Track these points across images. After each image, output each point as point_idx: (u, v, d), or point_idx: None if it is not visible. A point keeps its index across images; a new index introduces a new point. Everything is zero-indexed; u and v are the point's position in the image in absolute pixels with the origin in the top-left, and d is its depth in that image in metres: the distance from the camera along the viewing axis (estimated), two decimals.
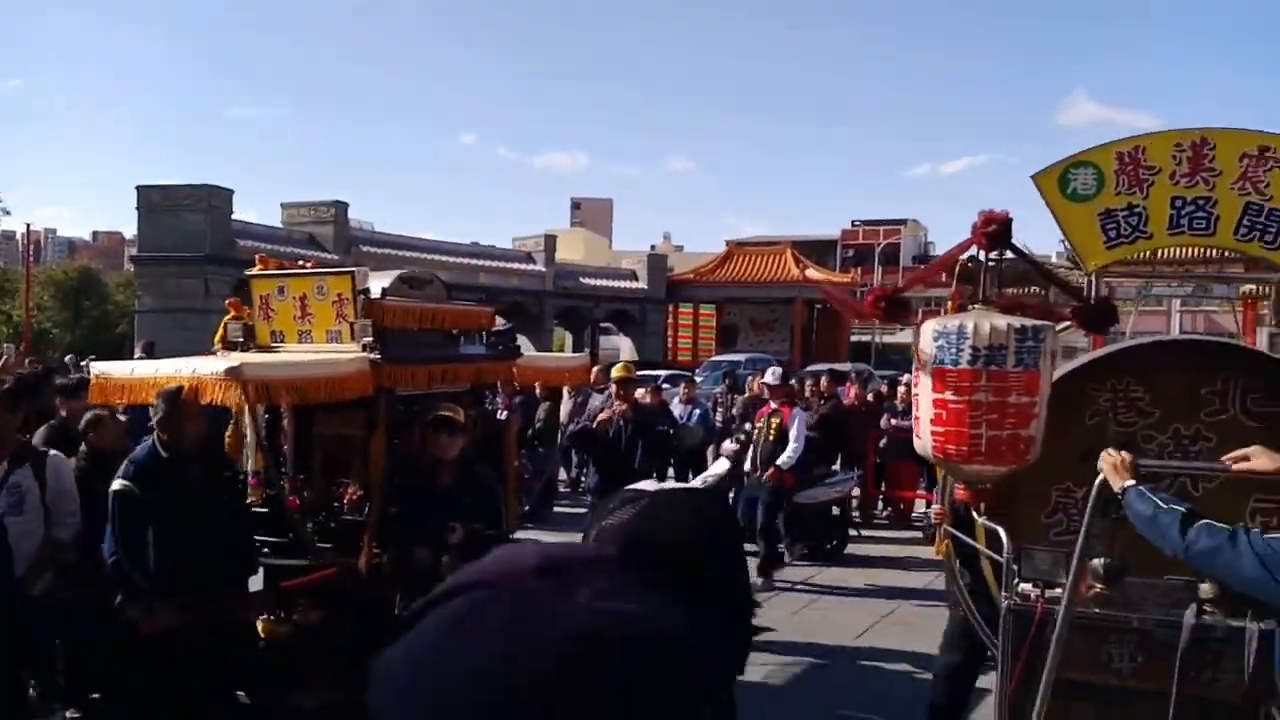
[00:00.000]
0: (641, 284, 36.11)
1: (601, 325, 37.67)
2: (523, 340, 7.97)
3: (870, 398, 12.39)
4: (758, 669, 6.30)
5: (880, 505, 12.11)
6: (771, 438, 8.73)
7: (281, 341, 5.30)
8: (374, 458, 4.85)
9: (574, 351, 32.10)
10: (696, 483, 9.46)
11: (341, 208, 27.71)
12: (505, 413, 8.68)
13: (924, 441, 3.52)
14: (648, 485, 1.17)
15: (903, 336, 27.43)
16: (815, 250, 44.23)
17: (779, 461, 8.65)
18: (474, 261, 31.08)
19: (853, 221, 54.65)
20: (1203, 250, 4.41)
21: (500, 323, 5.99)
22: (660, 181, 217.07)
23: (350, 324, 4.99)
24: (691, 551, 1.07)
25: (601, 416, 7.12)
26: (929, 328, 3.52)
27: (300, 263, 5.90)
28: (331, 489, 5.14)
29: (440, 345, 5.45)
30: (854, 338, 40.98)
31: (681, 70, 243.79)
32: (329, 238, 26.82)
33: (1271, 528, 4.07)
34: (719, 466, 9.13)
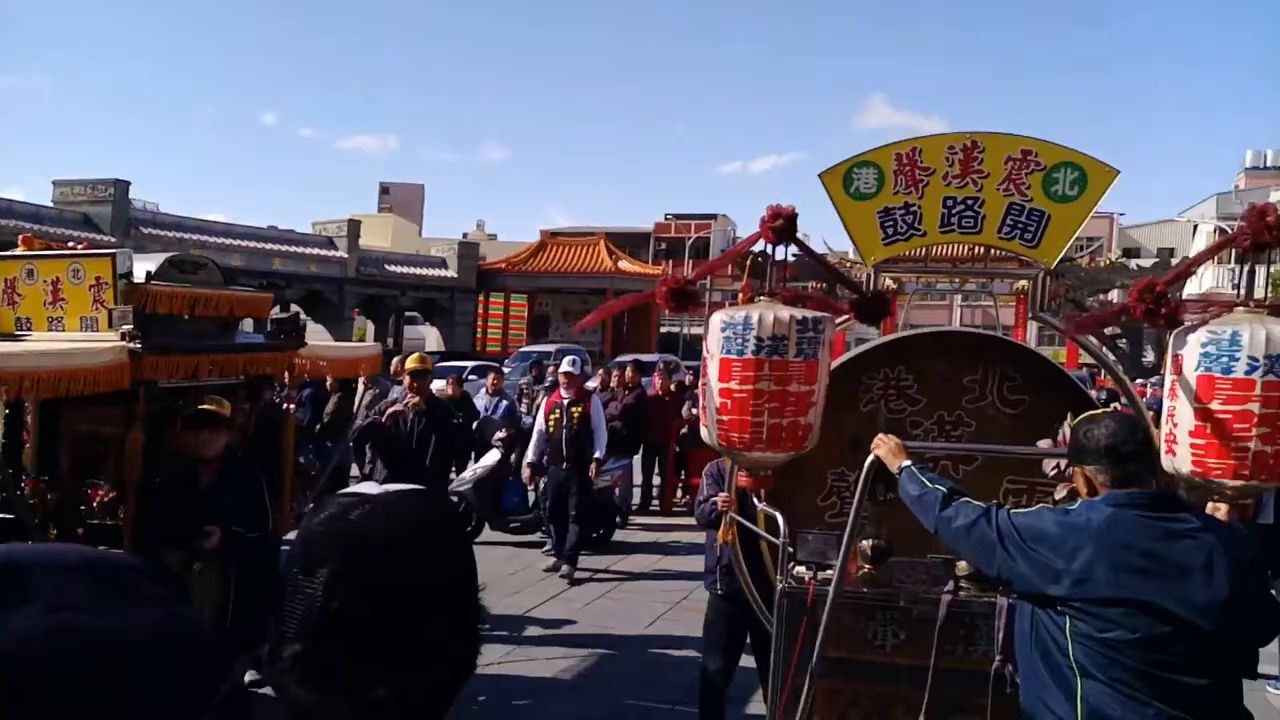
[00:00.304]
0: (451, 272, 35.37)
1: (407, 315, 36.65)
2: (318, 329, 7.58)
3: (673, 388, 12.61)
4: (547, 663, 6.27)
5: (680, 493, 12.36)
6: (574, 428, 8.72)
7: (29, 329, 4.79)
8: (130, 457, 4.45)
9: (376, 342, 31.10)
10: (467, 475, 9.35)
11: (122, 186, 25.64)
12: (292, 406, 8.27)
13: (710, 430, 3.56)
14: (369, 488, 1.08)
15: None
16: (629, 242, 44.78)
17: (597, 454, 8.78)
18: (269, 246, 29.46)
19: (665, 215, 55.67)
20: (980, 249, 4.66)
21: (278, 311, 5.65)
22: (476, 169, 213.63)
23: (109, 310, 4.57)
24: (412, 561, 1.00)
25: (391, 410, 6.86)
26: (717, 319, 3.56)
27: (70, 245, 5.34)
28: (81, 491, 4.69)
29: (215, 335, 5.08)
30: (663, 329, 41.76)
31: (501, 57, 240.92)
32: (106, 218, 24.78)
33: (1021, 506, 4.44)
34: (489, 458, 9.07)
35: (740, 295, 3.89)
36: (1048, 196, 4.27)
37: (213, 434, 4.58)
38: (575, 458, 8.58)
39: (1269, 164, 56.32)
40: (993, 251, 4.89)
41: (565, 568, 8.35)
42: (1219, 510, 3.28)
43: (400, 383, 9.30)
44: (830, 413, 3.61)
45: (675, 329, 42.30)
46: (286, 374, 5.64)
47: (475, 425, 11.62)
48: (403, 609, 0.99)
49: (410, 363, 7.25)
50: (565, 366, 9.14)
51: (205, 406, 4.62)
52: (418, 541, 1.03)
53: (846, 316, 4.27)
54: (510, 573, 8.65)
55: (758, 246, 3.84)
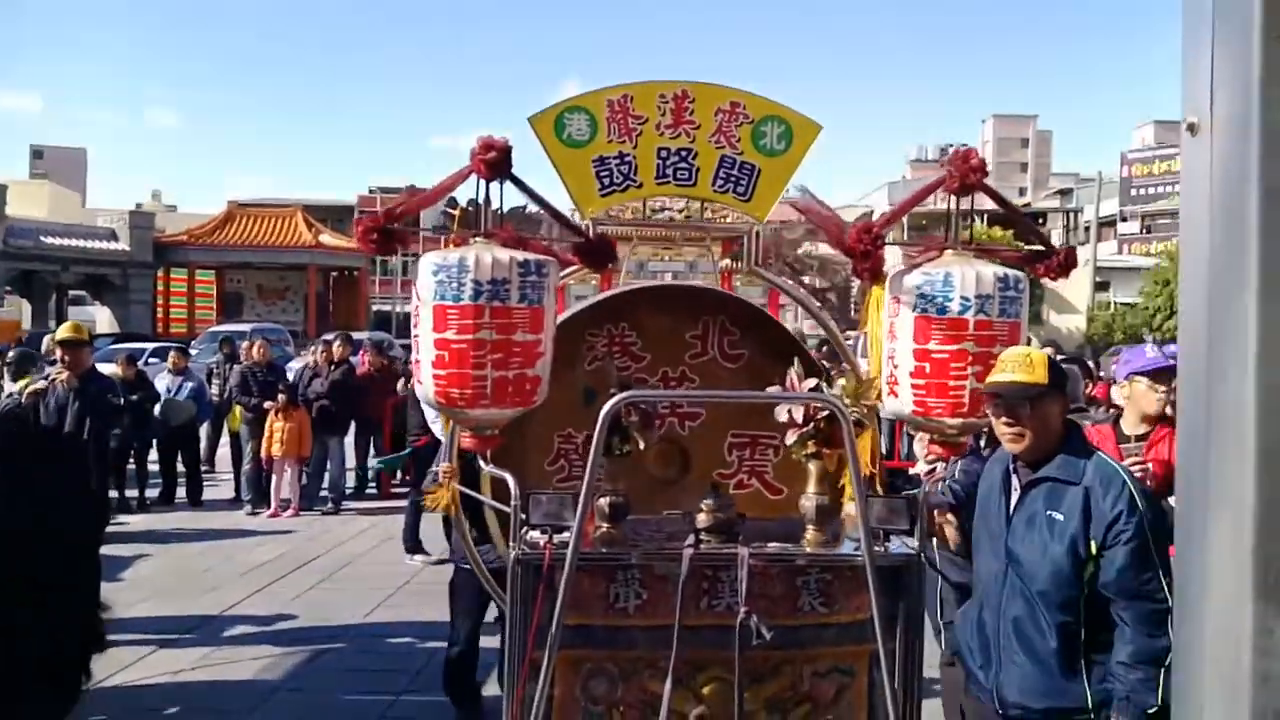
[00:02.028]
0: (123, 245, 31.71)
1: (73, 294, 32.49)
2: None
3: (385, 363, 11.92)
4: (253, 664, 5.62)
5: (398, 474, 11.74)
6: None
7: None
8: None
9: (35, 325, 27.44)
10: None
11: None
12: None
13: (425, 386, 3.17)
14: None
15: None
16: (331, 214, 42.41)
17: None
18: None
19: (370, 188, 53.34)
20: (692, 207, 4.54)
21: None
22: (144, 135, 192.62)
23: None
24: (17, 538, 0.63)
25: (35, 387, 5.79)
26: (428, 261, 3.17)
27: None
28: None
29: None
30: (375, 307, 40.10)
31: (175, 12, 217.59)
32: None
33: (747, 461, 4.43)
34: None
35: (451, 242, 3.51)
36: (757, 150, 4.22)
37: None
38: None
39: (929, 157, 66.62)
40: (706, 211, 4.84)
41: None
42: (933, 450, 3.35)
43: (52, 363, 8.05)
44: (554, 371, 3.33)
45: (387, 307, 40.71)
46: None
47: (159, 408, 10.40)
48: None
49: (61, 332, 6.17)
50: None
51: None
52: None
53: (575, 266, 4.01)
54: (205, 568, 7.78)
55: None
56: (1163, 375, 3.85)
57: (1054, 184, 58.77)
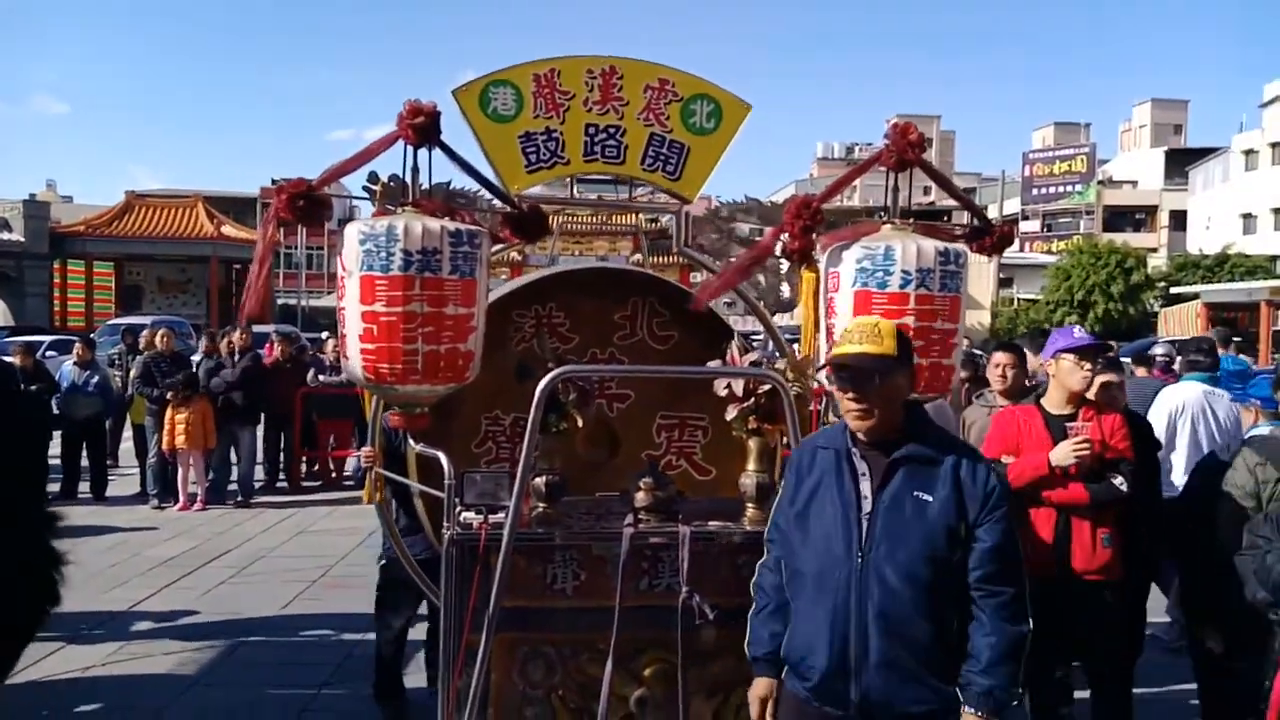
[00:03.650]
0: (17, 235, 30.18)
1: None
2: None
3: (294, 352, 11.54)
4: (165, 659, 5.36)
5: (304, 466, 11.40)
6: None
7: None
8: None
9: None
10: None
11: None
12: None
13: (353, 362, 3.02)
14: None
15: (330, 300, 26.42)
16: (233, 206, 40.97)
17: None
18: None
19: (272, 179, 51.84)
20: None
21: None
22: (32, 123, 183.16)
23: None
24: None
25: None
26: (353, 230, 3.03)
27: None
28: None
29: None
30: (280, 300, 38.96)
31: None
32: None
33: (675, 442, 4.37)
34: None
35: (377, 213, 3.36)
36: (686, 128, 4.15)
37: None
38: None
39: (835, 155, 67.64)
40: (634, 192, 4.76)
41: None
42: None
43: None
44: (483, 353, 3.21)
45: (293, 301, 39.61)
46: None
47: (61, 401, 9.88)
48: None
49: None
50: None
51: None
52: None
53: (511, 243, 3.88)
54: (112, 564, 7.43)
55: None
56: (1089, 353, 3.91)
57: (958, 183, 60.45)
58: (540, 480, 3.00)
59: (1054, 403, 3.98)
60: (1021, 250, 47.45)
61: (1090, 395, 4.06)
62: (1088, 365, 3.89)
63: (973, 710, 2.36)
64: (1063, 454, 3.73)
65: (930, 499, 2.41)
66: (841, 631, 2.38)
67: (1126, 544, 3.86)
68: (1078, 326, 4.55)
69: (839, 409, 2.57)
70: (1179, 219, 50.66)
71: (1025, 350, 5.46)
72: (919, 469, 2.44)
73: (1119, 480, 3.75)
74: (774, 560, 2.61)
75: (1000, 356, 5.13)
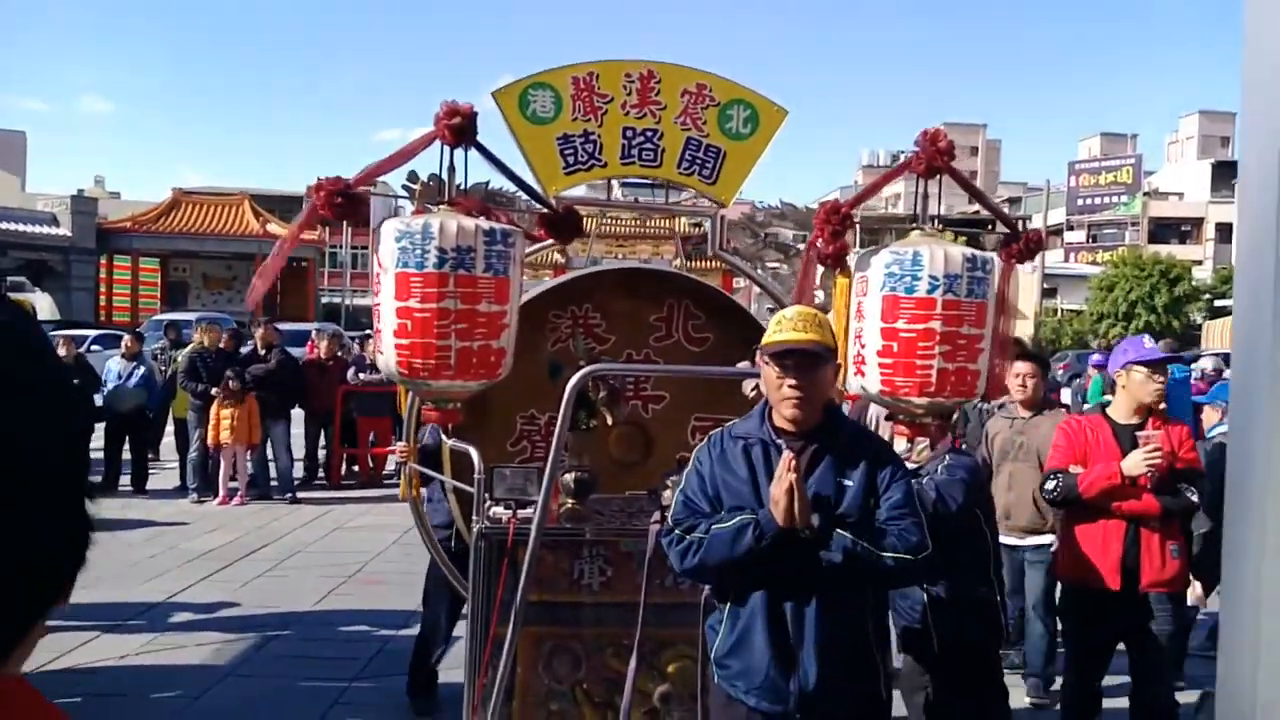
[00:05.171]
0: (65, 230, 30.82)
1: (12, 280, 31.51)
2: None
3: (339, 351, 11.67)
4: (198, 650, 5.47)
5: (344, 463, 11.53)
6: None
7: None
8: None
9: None
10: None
11: None
12: None
13: (387, 357, 3.08)
14: None
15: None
16: (279, 204, 41.56)
17: None
18: None
19: (318, 178, 52.47)
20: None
21: None
22: (80, 123, 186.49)
23: None
24: None
25: None
26: (390, 228, 3.08)
27: None
28: None
29: None
30: (324, 299, 39.44)
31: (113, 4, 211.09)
32: None
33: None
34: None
35: (413, 212, 3.43)
36: (723, 133, 4.20)
37: None
38: None
39: (880, 162, 67.57)
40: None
41: None
42: (900, 432, 3.34)
43: None
44: (518, 351, 3.26)
45: (337, 300, 40.08)
46: None
47: (106, 394, 10.10)
48: None
49: None
50: None
51: None
52: None
53: (548, 242, 3.94)
54: (150, 555, 7.54)
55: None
56: (1161, 367, 3.92)
57: (1003, 192, 59.84)
58: (569, 476, 3.04)
59: (1121, 413, 3.96)
60: (1066, 261, 46.85)
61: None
62: (1160, 378, 3.89)
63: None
64: (1135, 464, 3.71)
65: (852, 484, 2.53)
66: (777, 627, 2.46)
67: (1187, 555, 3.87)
68: (1147, 336, 4.51)
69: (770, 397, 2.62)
70: (1225, 231, 49.74)
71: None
72: (839, 456, 2.56)
73: (1190, 491, 3.72)
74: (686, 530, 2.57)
75: (1021, 366, 5.11)
